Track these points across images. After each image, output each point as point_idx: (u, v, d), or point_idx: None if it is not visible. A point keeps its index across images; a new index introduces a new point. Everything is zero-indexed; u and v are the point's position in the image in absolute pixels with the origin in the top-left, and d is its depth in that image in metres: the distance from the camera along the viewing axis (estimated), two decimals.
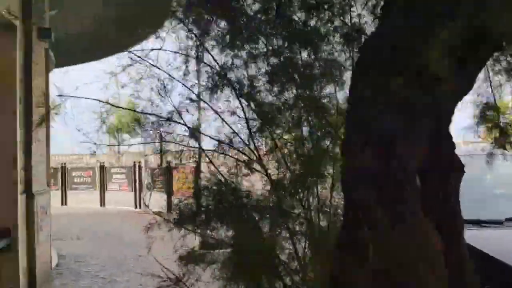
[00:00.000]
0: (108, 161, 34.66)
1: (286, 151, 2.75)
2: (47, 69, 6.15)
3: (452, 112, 1.53)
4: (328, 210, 2.59)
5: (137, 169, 12.13)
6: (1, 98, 4.33)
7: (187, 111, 2.75)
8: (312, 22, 2.58)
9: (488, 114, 2.61)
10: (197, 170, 9.75)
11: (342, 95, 2.62)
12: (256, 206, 2.56)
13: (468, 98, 1.83)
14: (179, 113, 2.70)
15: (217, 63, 2.70)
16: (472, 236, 1.79)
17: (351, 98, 1.56)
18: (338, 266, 1.46)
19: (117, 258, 6.44)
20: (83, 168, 14.24)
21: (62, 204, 12.80)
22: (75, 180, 13.14)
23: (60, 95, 2.79)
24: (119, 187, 12.50)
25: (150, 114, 2.75)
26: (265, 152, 2.75)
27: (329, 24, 2.54)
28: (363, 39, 2.35)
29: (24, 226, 4.56)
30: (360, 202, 1.38)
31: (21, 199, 4.34)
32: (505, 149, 2.58)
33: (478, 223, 2.82)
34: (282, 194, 2.59)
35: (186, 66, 2.76)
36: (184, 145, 2.82)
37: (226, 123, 2.74)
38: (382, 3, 1.89)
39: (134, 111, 3.22)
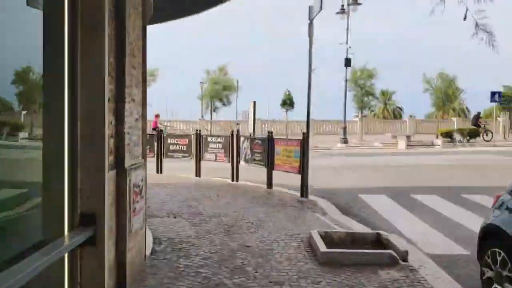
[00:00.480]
0: (203, 129, 34.64)
1: None
2: (144, 18, 5.02)
3: None
4: None
5: (235, 139, 11.10)
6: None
7: None
8: None
9: None
10: (304, 143, 8.45)
11: None
12: None
13: None
14: None
15: None
16: None
17: None
18: None
19: (222, 246, 5.38)
20: (179, 135, 13.74)
21: (157, 172, 12.27)
22: (170, 148, 12.50)
23: None
24: (215, 157, 11.61)
25: None
26: None
27: None
28: None
29: (114, 210, 3.56)
30: None
31: (109, 176, 3.28)
32: None
33: None
34: None
35: None
36: None
37: None
38: None
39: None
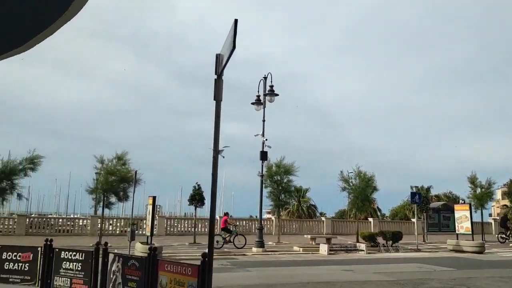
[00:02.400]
0: (94, 226, 29.20)
1: None
2: None
3: None
4: None
5: (100, 257, 7.17)
6: None
7: None
8: None
9: None
10: (205, 274, 4.85)
11: None
12: None
13: None
14: None
15: None
16: None
17: None
18: None
19: None
20: (19, 246, 9.39)
21: None
22: (5, 267, 8.10)
23: None
24: (69, 285, 7.48)
25: None
26: None
27: None
28: None
29: None
30: None
31: None
32: None
33: None
34: None
35: None
36: None
37: None
38: None
39: None
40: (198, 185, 25.92)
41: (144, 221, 31.26)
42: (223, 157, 5.56)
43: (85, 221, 33.25)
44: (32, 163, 22.74)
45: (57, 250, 7.98)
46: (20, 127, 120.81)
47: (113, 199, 24.64)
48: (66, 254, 7.77)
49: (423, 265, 18.23)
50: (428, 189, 46.38)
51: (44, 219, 34.32)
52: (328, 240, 25.17)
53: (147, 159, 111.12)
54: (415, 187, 48.48)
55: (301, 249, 23.63)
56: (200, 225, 33.61)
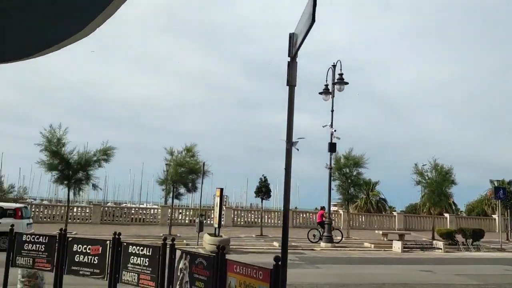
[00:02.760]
0: (164, 216, 30.01)
1: None
2: None
3: None
4: None
5: (167, 253, 6.91)
6: None
7: None
8: None
9: None
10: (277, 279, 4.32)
11: None
12: None
13: None
14: None
15: None
16: None
17: None
18: None
19: None
20: (89, 240, 9.44)
21: None
22: (76, 259, 8.15)
23: None
24: (137, 280, 7.27)
25: None
26: None
27: None
28: None
29: None
30: None
31: None
32: None
33: None
34: None
35: None
36: None
37: None
38: None
39: None
40: (265, 177, 25.57)
41: (212, 212, 31.58)
42: (297, 149, 4.95)
43: (156, 210, 34.16)
44: (106, 154, 23.49)
45: (125, 244, 7.80)
46: (98, 121, 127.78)
47: (182, 190, 24.94)
48: (134, 248, 7.57)
49: (510, 268, 16.58)
50: (510, 183, 42.77)
51: (118, 208, 35.73)
52: (401, 237, 23.84)
53: (214, 151, 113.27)
54: (496, 181, 44.99)
55: (372, 245, 22.53)
56: (266, 217, 33.35)
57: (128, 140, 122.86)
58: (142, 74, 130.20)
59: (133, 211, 33.67)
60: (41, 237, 8.80)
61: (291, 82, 4.81)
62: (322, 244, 21.58)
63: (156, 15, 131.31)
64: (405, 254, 20.54)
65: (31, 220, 18.02)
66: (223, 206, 19.12)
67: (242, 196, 78.13)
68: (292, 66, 4.80)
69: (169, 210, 32.45)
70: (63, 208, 32.39)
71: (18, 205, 17.76)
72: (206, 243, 18.43)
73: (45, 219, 29.77)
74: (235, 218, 33.46)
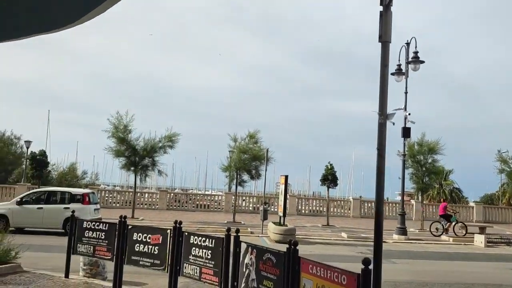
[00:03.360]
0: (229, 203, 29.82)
1: None
2: None
3: None
4: None
5: (231, 245, 6.13)
6: None
7: None
8: None
9: None
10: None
11: None
12: None
13: None
14: None
15: None
16: None
17: None
18: None
19: None
20: (150, 228, 8.97)
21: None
22: (136, 249, 7.65)
23: None
24: (199, 274, 6.59)
25: None
26: None
27: None
28: None
29: None
30: None
31: None
32: None
33: None
34: None
35: None
36: None
37: None
38: None
39: None
40: (331, 164, 24.36)
41: (275, 199, 30.86)
42: (393, 123, 3.91)
43: (220, 197, 34.09)
44: (171, 140, 23.46)
45: (186, 234, 7.17)
46: (164, 110, 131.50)
47: (245, 176, 24.41)
48: (196, 239, 6.90)
49: None
50: None
51: (184, 194, 36.06)
52: (482, 230, 21.76)
53: (276, 139, 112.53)
54: None
55: (450, 238, 20.72)
56: (331, 206, 32.12)
57: (193, 129, 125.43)
58: (205, 65, 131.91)
59: (198, 198, 33.83)
60: (101, 225, 8.42)
61: (384, 38, 3.78)
62: (395, 236, 20.13)
63: (220, 5, 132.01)
64: (489, 249, 18.61)
65: (98, 206, 18.23)
66: (287, 194, 18.29)
67: (304, 185, 77.00)
68: (385, 17, 3.75)
69: (233, 197, 32.25)
70: (131, 193, 33.22)
71: (86, 190, 18.03)
72: (271, 232, 17.72)
73: (115, 205, 30.58)
74: (299, 207, 32.57)
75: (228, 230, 6.52)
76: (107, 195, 31.83)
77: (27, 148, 30.36)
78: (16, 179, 37.62)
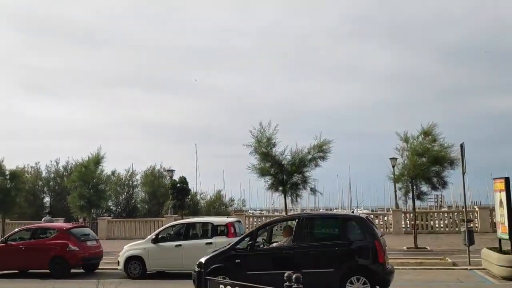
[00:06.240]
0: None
1: None
2: None
3: None
4: None
5: None
6: None
7: None
8: None
9: None
10: None
11: None
12: None
13: None
14: None
15: None
16: None
17: None
18: None
19: None
20: None
21: None
22: None
23: None
24: None
25: None
26: None
27: None
28: None
29: None
30: None
31: None
32: None
33: None
34: None
35: None
36: None
37: None
38: None
39: None
40: None
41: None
42: None
43: (386, 217, 28.35)
44: (321, 150, 19.03)
45: None
46: (299, 133, 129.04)
47: (424, 187, 18.68)
48: None
49: None
50: None
51: None
52: None
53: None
54: None
55: None
56: None
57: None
58: (336, 83, 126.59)
59: None
60: None
61: None
62: None
63: (342, 22, 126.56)
64: None
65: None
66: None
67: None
68: None
69: (403, 215, 26.28)
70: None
71: (230, 219, 14.38)
72: (494, 264, 11.83)
73: None
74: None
75: None
76: (255, 220, 28.56)
77: (171, 177, 28.71)
78: (167, 211, 36.89)
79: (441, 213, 27.86)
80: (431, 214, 28.26)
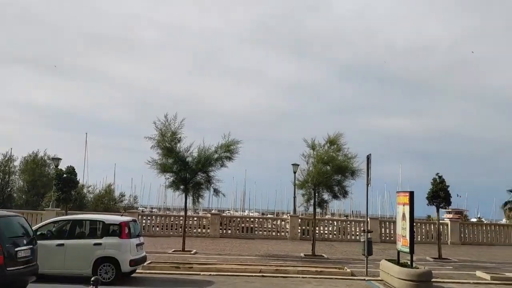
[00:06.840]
0: None
1: None
2: None
3: None
4: None
5: None
6: None
7: None
8: None
9: None
10: None
11: None
12: None
13: None
14: None
15: None
16: None
17: None
18: None
19: None
20: None
21: None
22: None
23: None
24: None
25: None
26: None
27: None
28: None
29: None
30: None
31: None
32: None
33: None
34: None
35: None
36: None
37: None
38: None
39: None
40: (440, 177, 18.42)
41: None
42: None
43: (282, 222, 28.41)
44: (228, 150, 18.20)
45: None
46: (199, 131, 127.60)
47: (325, 195, 18.78)
48: None
49: None
50: None
51: (240, 218, 30.11)
52: None
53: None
54: None
55: None
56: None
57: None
58: (236, 86, 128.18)
59: (256, 222, 28.13)
60: None
61: None
62: None
63: (252, 28, 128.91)
64: None
65: (142, 239, 13.00)
66: (413, 219, 12.31)
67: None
68: None
69: (299, 221, 26.50)
70: (175, 217, 28.14)
71: (124, 218, 12.81)
72: (393, 277, 11.93)
73: (153, 229, 25.55)
74: (385, 231, 26.40)
75: None
76: (148, 219, 26.83)
77: (56, 166, 25.73)
78: (48, 204, 33.25)
79: (335, 221, 28.70)
80: (325, 221, 29.13)
